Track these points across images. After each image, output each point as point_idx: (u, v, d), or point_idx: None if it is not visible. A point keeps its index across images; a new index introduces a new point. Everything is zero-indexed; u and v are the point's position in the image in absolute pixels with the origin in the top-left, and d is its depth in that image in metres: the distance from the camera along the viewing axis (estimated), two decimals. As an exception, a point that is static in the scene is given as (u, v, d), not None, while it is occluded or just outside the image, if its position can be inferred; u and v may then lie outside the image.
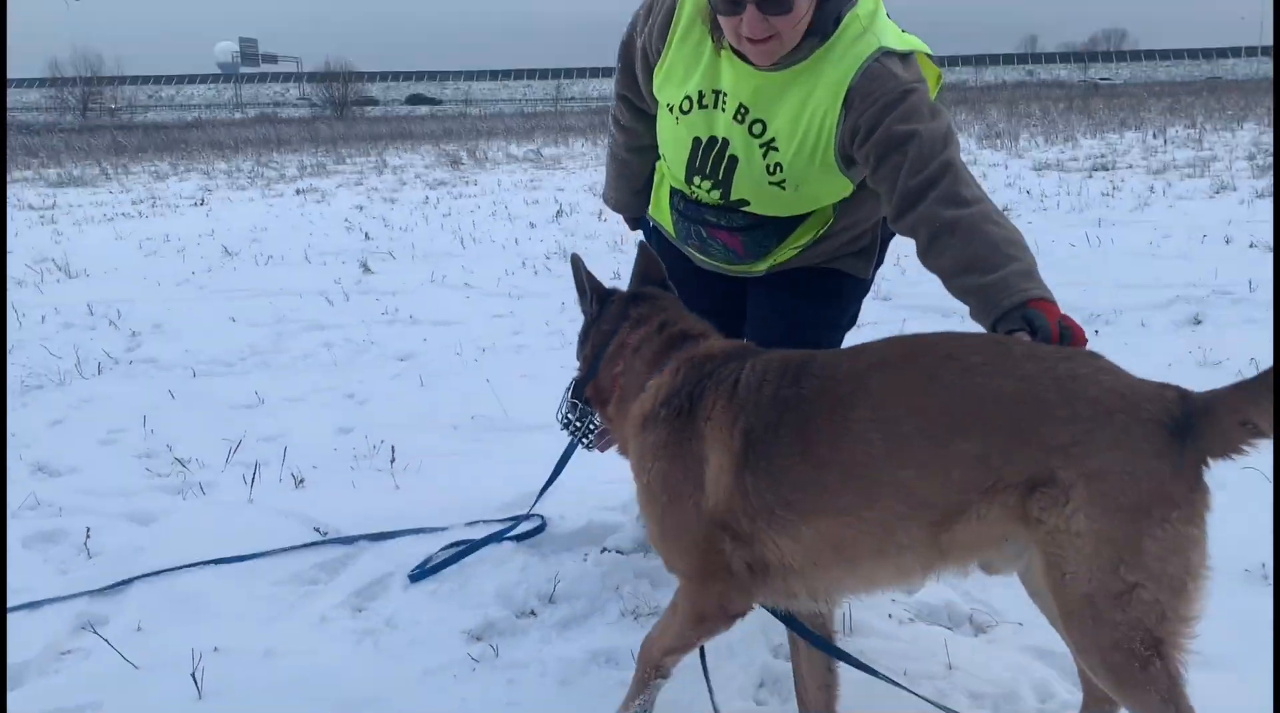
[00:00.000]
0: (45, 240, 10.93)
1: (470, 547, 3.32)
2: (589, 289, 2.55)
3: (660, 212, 2.98)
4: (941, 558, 1.99)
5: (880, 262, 3.04)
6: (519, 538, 3.41)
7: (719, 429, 2.12)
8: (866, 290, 3.09)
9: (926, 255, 2.35)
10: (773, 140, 2.57)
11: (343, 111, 70.99)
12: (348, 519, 3.60)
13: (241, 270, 9.05)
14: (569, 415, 2.68)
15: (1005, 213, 2.44)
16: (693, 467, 2.15)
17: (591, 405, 2.58)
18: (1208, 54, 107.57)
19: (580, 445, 2.79)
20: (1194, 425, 1.81)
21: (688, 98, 2.64)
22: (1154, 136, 19.54)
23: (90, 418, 4.94)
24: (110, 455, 4.44)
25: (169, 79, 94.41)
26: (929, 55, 2.59)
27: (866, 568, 2.05)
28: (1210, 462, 1.83)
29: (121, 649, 2.81)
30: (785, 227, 2.75)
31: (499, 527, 3.47)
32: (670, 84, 2.69)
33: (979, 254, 2.23)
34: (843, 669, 2.36)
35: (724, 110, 2.60)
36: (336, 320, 6.95)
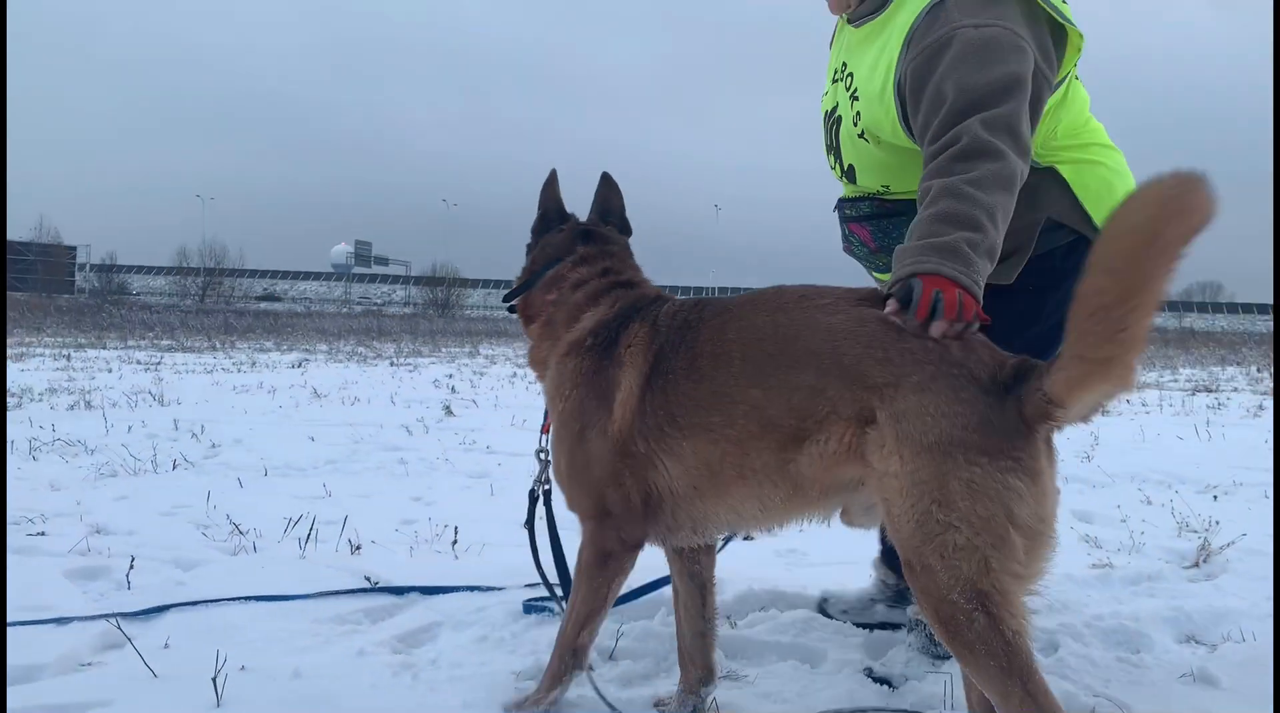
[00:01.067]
0: (145, 381, 11.24)
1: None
2: (548, 206, 2.66)
3: None
4: (797, 493, 2.08)
5: (1022, 264, 2.52)
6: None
7: (636, 354, 2.27)
8: (1012, 302, 2.45)
9: None
10: (856, 89, 2.55)
11: (444, 310, 73.62)
12: (402, 577, 3.38)
13: (328, 408, 9.12)
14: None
15: None
16: (607, 392, 2.27)
17: (520, 315, 2.65)
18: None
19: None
20: (1018, 389, 1.88)
21: (827, 84, 2.74)
22: (1257, 370, 19.06)
23: (157, 497, 4.85)
24: (169, 523, 4.31)
25: (284, 274, 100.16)
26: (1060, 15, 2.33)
27: (734, 495, 2.15)
28: (1034, 426, 1.87)
29: (144, 663, 2.58)
30: (904, 214, 2.54)
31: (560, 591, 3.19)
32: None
33: (918, 222, 2.18)
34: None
35: (837, 80, 2.64)
36: (414, 445, 6.89)
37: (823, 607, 3.13)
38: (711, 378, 2.14)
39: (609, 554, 2.28)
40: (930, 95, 2.28)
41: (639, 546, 2.30)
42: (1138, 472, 5.91)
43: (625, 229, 2.68)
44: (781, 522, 2.24)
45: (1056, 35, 2.35)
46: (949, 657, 2.52)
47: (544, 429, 2.55)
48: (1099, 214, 2.44)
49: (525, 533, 4.30)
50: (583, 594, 2.33)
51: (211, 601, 3.11)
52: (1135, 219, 1.73)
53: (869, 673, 2.66)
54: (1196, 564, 3.88)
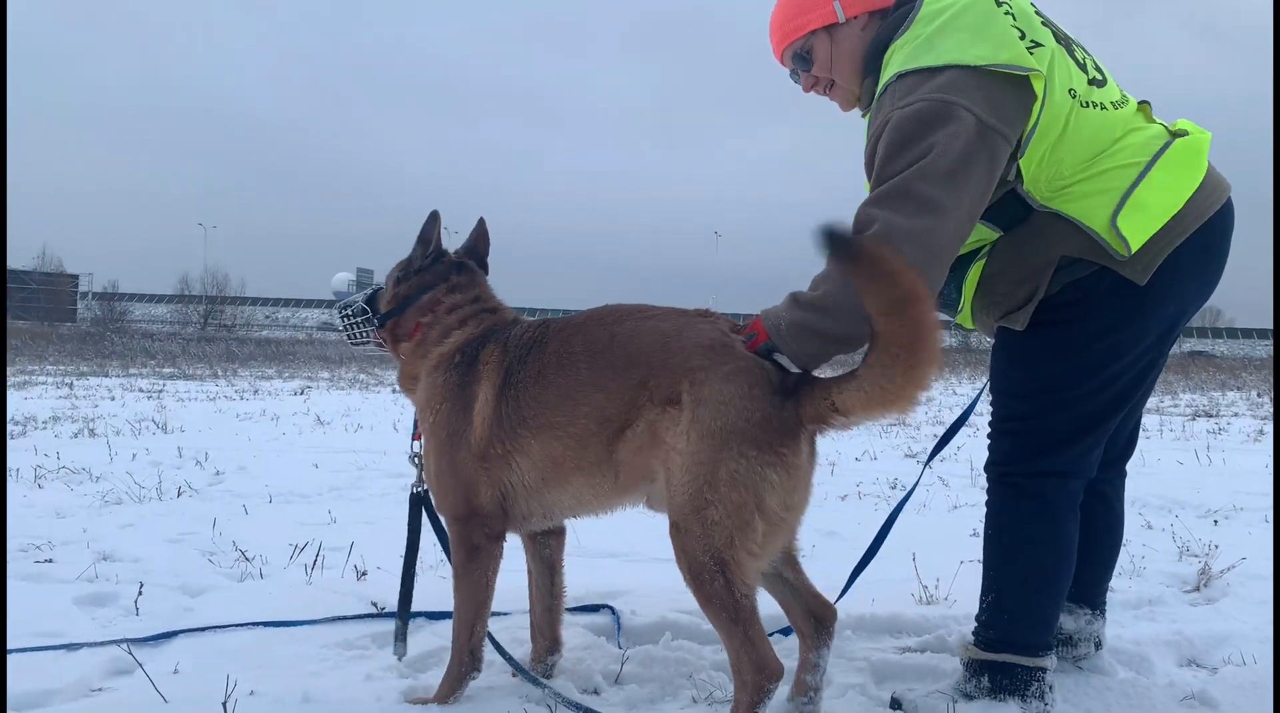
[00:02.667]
0: (148, 409, 11.27)
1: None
2: (429, 240, 2.89)
3: None
4: (618, 477, 2.45)
5: (1032, 307, 2.55)
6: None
7: (491, 370, 2.59)
8: (1039, 338, 2.56)
9: None
10: None
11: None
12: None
13: (331, 435, 9.15)
14: (351, 317, 2.96)
15: None
16: (468, 405, 2.58)
17: (381, 334, 2.95)
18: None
19: (346, 339, 3.05)
20: (798, 393, 2.30)
21: None
22: (1258, 395, 19.06)
23: (162, 525, 4.87)
24: (175, 550, 4.33)
25: (286, 302, 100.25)
26: (1005, 69, 2.34)
27: (574, 485, 2.50)
28: (807, 426, 2.32)
29: (155, 688, 2.60)
30: (956, 268, 2.61)
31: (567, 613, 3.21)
32: None
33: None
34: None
35: None
36: (417, 472, 6.88)
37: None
38: (558, 384, 2.49)
39: (477, 548, 2.57)
40: (869, 170, 2.50)
41: (501, 536, 2.61)
42: (1138, 497, 5.92)
43: (484, 269, 3.02)
44: (611, 507, 2.60)
45: (1017, 86, 2.37)
46: (973, 697, 2.60)
47: (415, 437, 2.81)
48: (1115, 239, 2.40)
49: (524, 559, 4.34)
50: (465, 592, 2.59)
51: (220, 626, 3.14)
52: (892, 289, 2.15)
53: (894, 703, 2.66)
54: (1197, 588, 3.90)
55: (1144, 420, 12.32)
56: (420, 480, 2.82)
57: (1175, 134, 2.55)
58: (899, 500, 3.19)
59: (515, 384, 2.54)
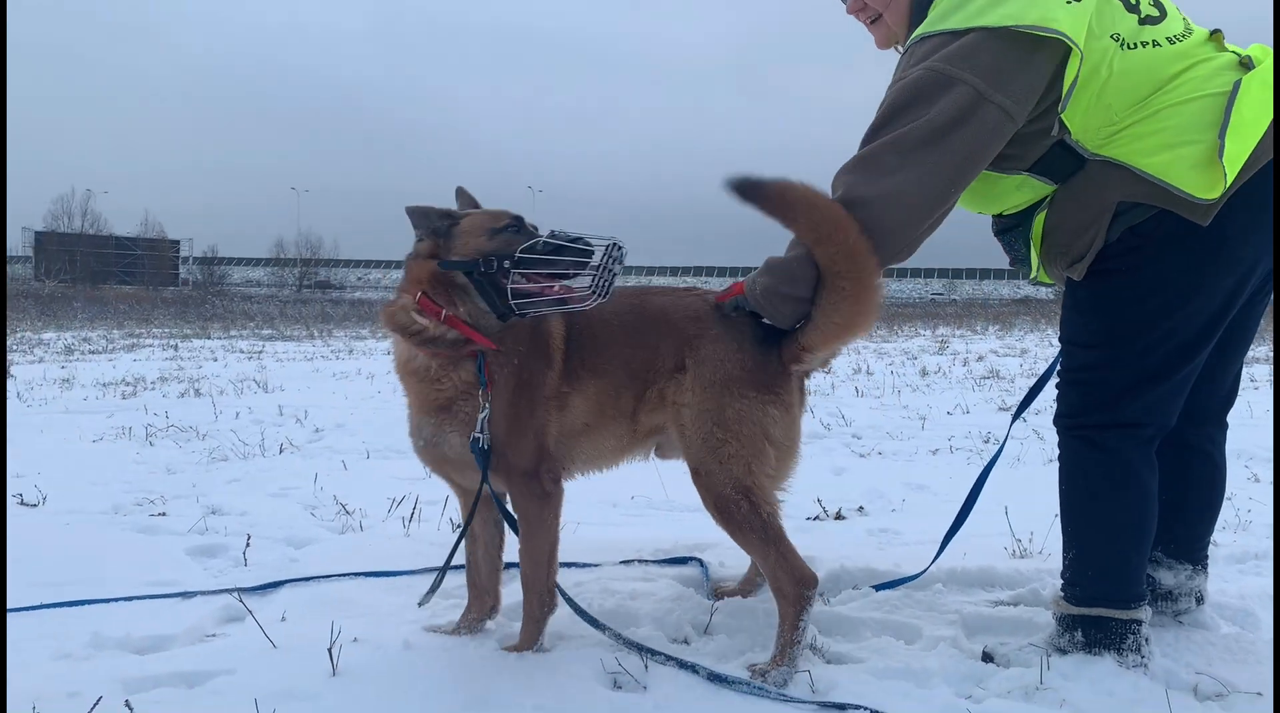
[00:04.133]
0: (249, 369, 11.66)
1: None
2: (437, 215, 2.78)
3: None
4: (635, 430, 2.76)
5: (1091, 258, 2.49)
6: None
7: (556, 341, 2.74)
8: (1107, 284, 2.50)
9: None
10: None
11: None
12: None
13: (423, 394, 9.32)
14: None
15: None
16: (545, 349, 2.72)
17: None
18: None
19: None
20: (778, 342, 2.64)
21: None
22: None
23: (266, 480, 5.06)
24: (279, 504, 4.50)
25: (377, 263, 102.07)
26: (1033, 29, 2.30)
27: (605, 433, 2.76)
28: (790, 368, 2.65)
29: (265, 634, 2.72)
30: (1015, 229, 2.66)
31: (655, 565, 3.27)
32: None
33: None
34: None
35: None
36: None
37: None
38: (603, 337, 2.75)
39: (548, 494, 2.69)
40: None
41: (560, 480, 2.74)
42: (1244, 449, 5.72)
43: None
44: (620, 460, 2.88)
45: (1038, 47, 2.32)
46: (1066, 652, 2.56)
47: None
48: (1175, 176, 2.31)
49: (620, 514, 4.39)
50: (540, 538, 2.71)
51: (324, 576, 3.26)
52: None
53: (986, 656, 2.64)
54: (1306, 543, 3.77)
55: (1255, 372, 11.87)
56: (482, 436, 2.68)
57: (1244, 63, 2.41)
58: (989, 458, 3.16)
59: (574, 347, 2.74)
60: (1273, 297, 2.65)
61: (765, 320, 2.65)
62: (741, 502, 2.56)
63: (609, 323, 2.78)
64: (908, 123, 2.37)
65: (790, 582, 2.54)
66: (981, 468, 3.17)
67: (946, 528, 3.14)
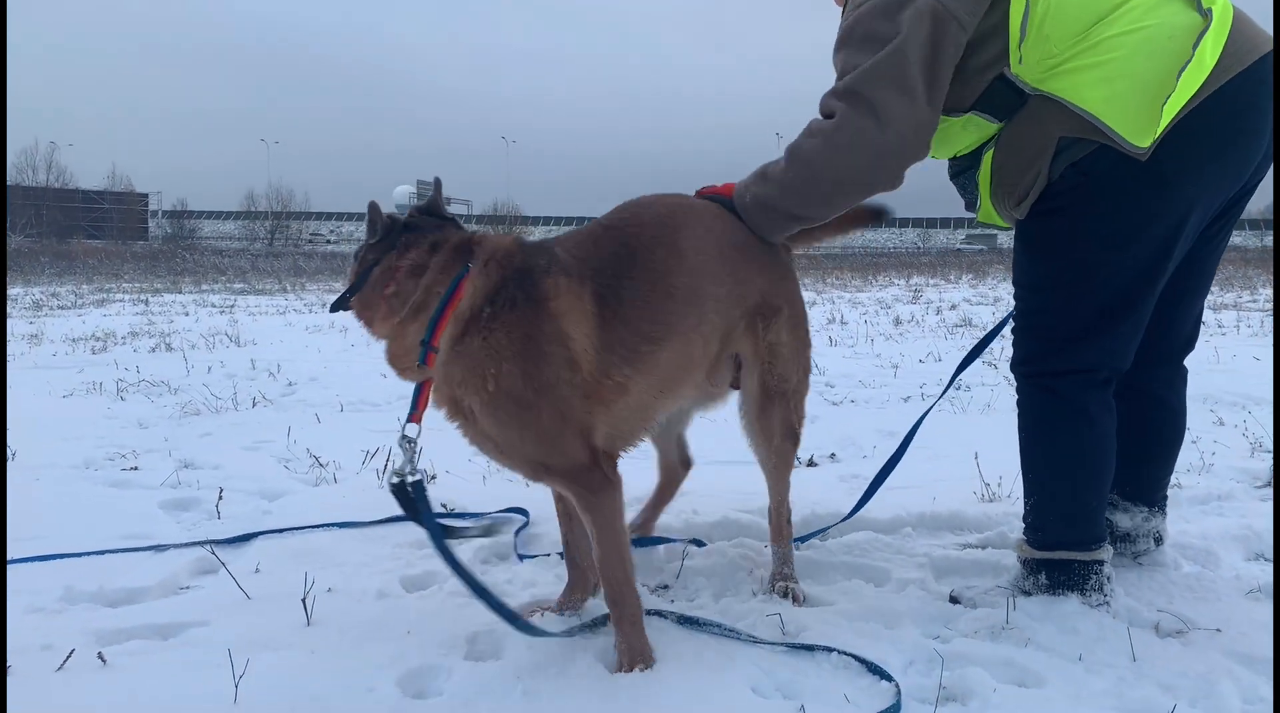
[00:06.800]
0: (221, 323, 11.56)
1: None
2: (377, 221, 2.45)
3: None
4: (708, 375, 2.59)
5: (1035, 194, 2.48)
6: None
7: (572, 300, 2.29)
8: (1055, 241, 2.50)
9: None
10: None
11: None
12: (477, 504, 3.50)
13: (397, 346, 9.29)
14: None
15: None
16: (557, 349, 2.24)
17: (358, 318, 2.52)
18: None
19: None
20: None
21: None
22: (1342, 289, 18.34)
23: (239, 434, 5.04)
24: (252, 457, 4.49)
25: (349, 216, 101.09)
26: None
27: (685, 383, 2.51)
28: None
29: (239, 586, 2.73)
30: (966, 172, 2.65)
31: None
32: None
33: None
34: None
35: None
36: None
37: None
38: (680, 290, 2.42)
39: (606, 484, 2.28)
40: None
41: (615, 459, 2.35)
42: (1211, 393, 5.80)
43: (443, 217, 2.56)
44: (691, 399, 2.70)
45: None
46: (1031, 594, 2.61)
47: (414, 418, 2.40)
48: (1111, 115, 2.28)
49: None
50: (610, 534, 2.28)
51: (297, 528, 3.26)
52: None
53: (953, 598, 2.69)
54: (1268, 484, 3.84)
55: (1220, 317, 11.97)
56: (407, 470, 2.40)
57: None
58: (934, 403, 3.23)
59: (614, 308, 2.32)
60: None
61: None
62: (799, 430, 2.77)
63: (683, 266, 2.45)
64: (880, 47, 2.36)
65: (789, 514, 2.84)
66: (920, 414, 3.31)
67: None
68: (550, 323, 2.26)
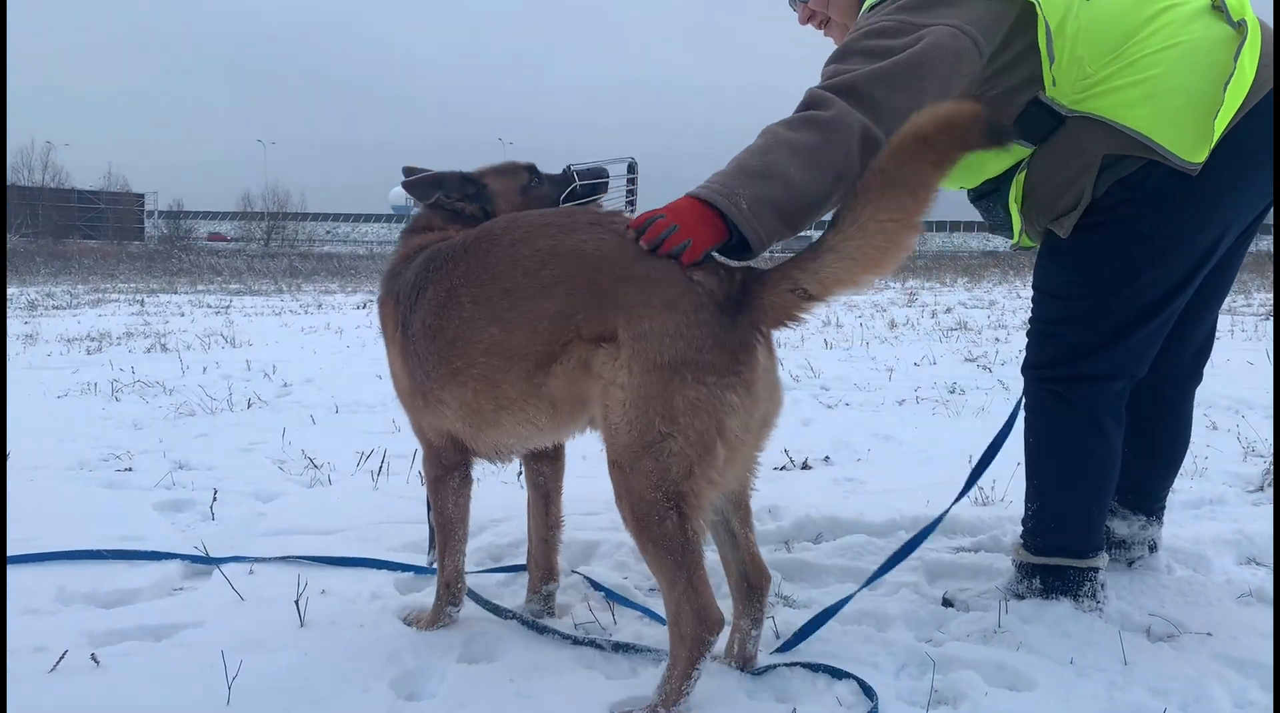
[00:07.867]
0: (217, 324, 11.55)
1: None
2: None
3: None
4: (557, 409, 2.19)
5: (1080, 212, 2.43)
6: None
7: (389, 322, 2.47)
8: (1097, 254, 2.46)
9: None
10: None
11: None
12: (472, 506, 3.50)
13: (393, 348, 9.29)
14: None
15: None
16: (394, 354, 2.46)
17: None
18: None
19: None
20: (747, 299, 2.03)
21: None
22: (1336, 294, 18.40)
23: (233, 435, 5.04)
24: (247, 458, 4.49)
25: (345, 217, 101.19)
26: None
27: (506, 423, 2.26)
28: (763, 331, 2.05)
29: (232, 587, 2.73)
30: (991, 194, 2.61)
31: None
32: None
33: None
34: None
35: None
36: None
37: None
38: (443, 329, 2.25)
39: (436, 478, 2.49)
40: None
41: (457, 466, 2.48)
42: (1204, 397, 5.73)
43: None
44: (561, 437, 2.40)
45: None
46: (1024, 598, 2.60)
47: None
48: (1160, 132, 2.28)
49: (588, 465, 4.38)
50: (434, 514, 2.53)
51: (291, 532, 3.26)
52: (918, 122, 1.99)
53: (946, 602, 2.70)
54: (1261, 489, 3.86)
55: (1219, 322, 11.95)
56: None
57: (1216, 4, 2.35)
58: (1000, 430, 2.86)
59: (410, 339, 2.35)
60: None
61: (717, 252, 2.11)
62: (670, 512, 2.00)
63: (455, 300, 2.24)
64: (887, 55, 2.23)
65: (693, 620, 2.03)
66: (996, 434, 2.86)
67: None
68: (387, 341, 2.51)
